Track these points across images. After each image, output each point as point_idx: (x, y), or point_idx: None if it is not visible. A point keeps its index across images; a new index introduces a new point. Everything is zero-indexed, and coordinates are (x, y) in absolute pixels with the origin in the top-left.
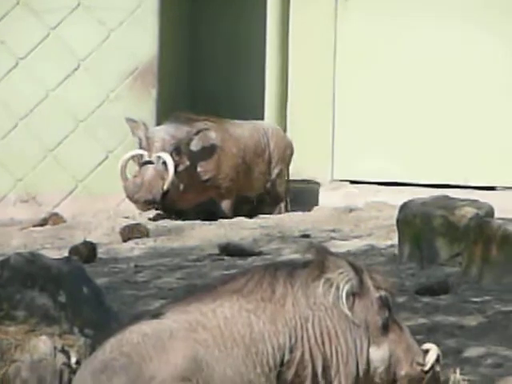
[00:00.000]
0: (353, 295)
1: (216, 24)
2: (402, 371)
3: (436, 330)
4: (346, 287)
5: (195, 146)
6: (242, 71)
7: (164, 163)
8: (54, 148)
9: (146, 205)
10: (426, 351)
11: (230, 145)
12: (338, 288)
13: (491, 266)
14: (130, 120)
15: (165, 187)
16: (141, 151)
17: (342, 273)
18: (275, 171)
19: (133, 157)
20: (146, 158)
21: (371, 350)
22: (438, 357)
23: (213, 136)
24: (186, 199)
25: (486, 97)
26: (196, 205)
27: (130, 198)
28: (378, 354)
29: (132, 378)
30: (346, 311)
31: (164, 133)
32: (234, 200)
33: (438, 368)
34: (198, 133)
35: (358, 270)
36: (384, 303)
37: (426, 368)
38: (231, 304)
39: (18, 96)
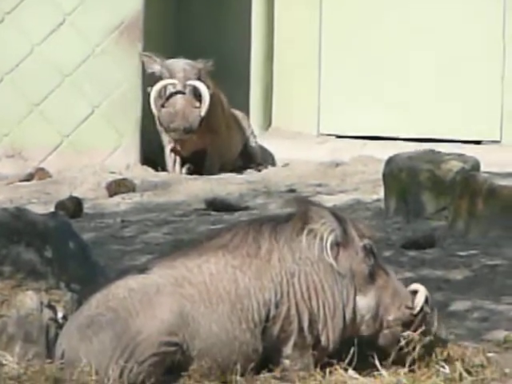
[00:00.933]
0: (337, 245)
1: None
2: (390, 316)
3: (422, 283)
4: (330, 237)
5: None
6: (228, 25)
7: (193, 92)
8: (39, 103)
9: (184, 133)
10: (414, 292)
11: (220, 94)
12: (321, 239)
13: (477, 220)
14: (143, 55)
15: (202, 114)
16: (173, 80)
17: (325, 223)
18: (248, 135)
19: (163, 87)
20: (178, 88)
21: (357, 298)
22: (427, 298)
23: (210, 81)
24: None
25: (471, 51)
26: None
27: (167, 127)
28: (365, 302)
29: (118, 333)
30: (331, 261)
31: (183, 63)
32: (220, 157)
33: (427, 309)
34: (212, 64)
35: (341, 220)
36: (369, 251)
37: (416, 311)
38: (217, 260)
39: (2, 51)
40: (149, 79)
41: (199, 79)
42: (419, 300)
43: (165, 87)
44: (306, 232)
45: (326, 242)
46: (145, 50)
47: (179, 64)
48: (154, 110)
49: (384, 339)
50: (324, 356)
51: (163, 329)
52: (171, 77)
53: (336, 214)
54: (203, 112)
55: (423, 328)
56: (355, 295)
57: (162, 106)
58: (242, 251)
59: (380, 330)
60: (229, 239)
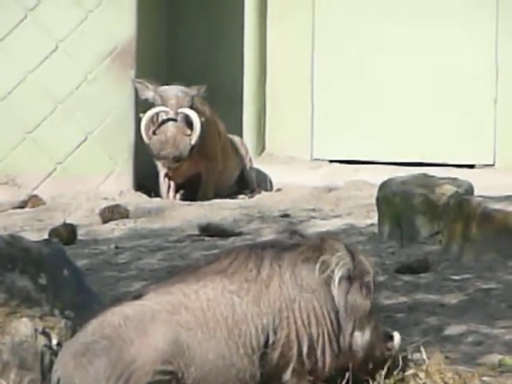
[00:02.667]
0: (347, 279)
1: (194, 3)
2: (373, 358)
3: (417, 308)
4: (341, 271)
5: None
6: (220, 52)
7: (185, 119)
8: (32, 130)
9: (174, 161)
10: (390, 336)
11: (217, 120)
12: (333, 271)
13: (471, 244)
14: (136, 81)
15: (193, 142)
16: (165, 108)
17: (339, 256)
18: (246, 162)
19: (155, 114)
20: (170, 115)
21: (356, 334)
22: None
23: (206, 107)
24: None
25: (464, 75)
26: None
27: (157, 155)
28: (362, 340)
29: (113, 361)
30: (336, 293)
31: (176, 90)
32: (215, 183)
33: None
34: (206, 89)
35: (354, 255)
36: (371, 288)
37: (393, 353)
38: (214, 285)
39: None
40: (142, 105)
41: (192, 106)
42: (396, 343)
43: (157, 114)
44: (319, 262)
45: (337, 276)
46: (137, 77)
47: (172, 91)
48: (145, 138)
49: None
50: (320, 382)
51: (158, 357)
52: (164, 103)
53: (349, 248)
54: (194, 140)
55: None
56: (354, 331)
57: (154, 133)
58: (241, 276)
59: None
60: (228, 264)
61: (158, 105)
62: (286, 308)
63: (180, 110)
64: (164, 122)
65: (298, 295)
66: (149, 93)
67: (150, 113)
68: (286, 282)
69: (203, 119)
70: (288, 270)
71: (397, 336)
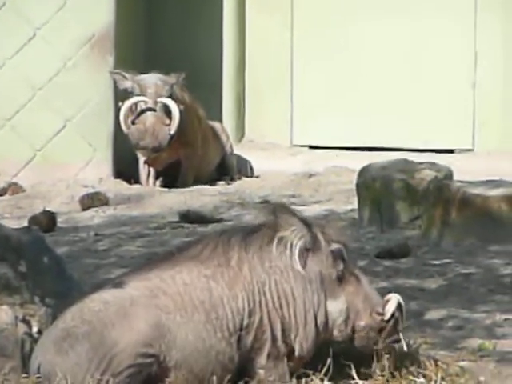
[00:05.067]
0: (306, 250)
1: None
2: (362, 322)
3: (397, 293)
4: (299, 244)
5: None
6: (199, 36)
7: (164, 109)
8: (11, 117)
9: (153, 152)
10: (387, 301)
11: (197, 107)
12: (291, 246)
13: (451, 229)
14: (113, 72)
15: (171, 132)
16: (144, 98)
17: (294, 230)
18: (227, 148)
19: (133, 104)
20: (148, 105)
21: (328, 302)
22: (400, 305)
23: (186, 94)
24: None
25: (442, 59)
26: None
27: (136, 145)
28: (336, 306)
29: (94, 345)
30: (299, 268)
31: (155, 79)
32: (195, 170)
33: (398, 316)
34: (185, 77)
35: (310, 226)
36: (337, 256)
37: (386, 317)
38: (190, 270)
39: None
40: (121, 92)
41: (171, 95)
42: (390, 306)
43: (136, 104)
44: (276, 240)
45: (295, 249)
46: (116, 63)
47: (151, 79)
48: (124, 127)
49: (358, 343)
50: (300, 365)
51: (139, 340)
52: (142, 92)
53: (305, 220)
54: (173, 130)
55: (395, 336)
56: (325, 300)
57: (133, 122)
58: (214, 261)
59: (353, 335)
60: (199, 250)
61: (137, 94)
62: (258, 292)
63: (159, 100)
64: (143, 111)
65: (268, 278)
66: (127, 83)
67: (128, 102)
68: (255, 267)
69: (182, 107)
70: (255, 254)
71: (393, 299)
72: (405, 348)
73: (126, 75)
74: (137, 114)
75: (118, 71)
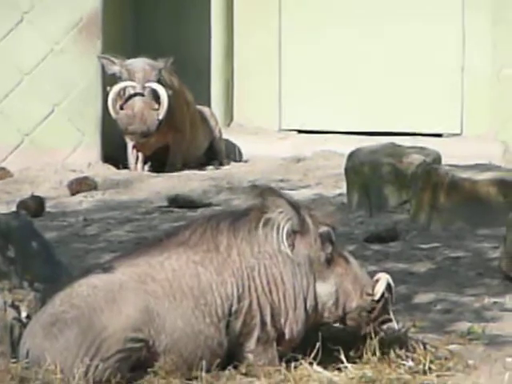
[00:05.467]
0: (294, 233)
1: None
2: (352, 303)
3: None
4: (287, 226)
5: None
6: (187, 23)
7: (152, 94)
8: None
9: (142, 137)
10: (377, 281)
11: (185, 91)
12: (278, 228)
13: (439, 213)
14: (101, 57)
15: (160, 117)
16: (132, 83)
17: (281, 212)
18: (216, 133)
19: (122, 89)
20: (137, 90)
21: (317, 284)
22: (389, 286)
23: (175, 78)
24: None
25: (431, 43)
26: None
27: (124, 130)
28: (325, 288)
29: (83, 330)
30: (287, 250)
31: (143, 63)
32: (183, 155)
33: (388, 296)
34: (173, 62)
35: (297, 208)
36: (326, 238)
37: (376, 298)
38: (178, 256)
39: None
40: (109, 77)
41: (159, 80)
42: (380, 286)
43: (124, 89)
44: (262, 222)
45: (283, 231)
46: (104, 48)
47: (139, 64)
48: (112, 113)
49: (349, 324)
50: (290, 348)
51: (129, 325)
52: (130, 77)
53: (293, 202)
54: (161, 115)
55: (385, 316)
56: (315, 282)
57: (121, 107)
58: (202, 247)
59: (344, 317)
60: (188, 236)
61: (125, 79)
62: (247, 277)
63: (147, 85)
64: (131, 96)
65: (257, 263)
66: (115, 67)
67: (116, 87)
68: (244, 252)
69: (171, 92)
70: (244, 239)
71: (382, 279)
72: (396, 327)
73: (114, 60)
74: (125, 99)
75: (106, 56)
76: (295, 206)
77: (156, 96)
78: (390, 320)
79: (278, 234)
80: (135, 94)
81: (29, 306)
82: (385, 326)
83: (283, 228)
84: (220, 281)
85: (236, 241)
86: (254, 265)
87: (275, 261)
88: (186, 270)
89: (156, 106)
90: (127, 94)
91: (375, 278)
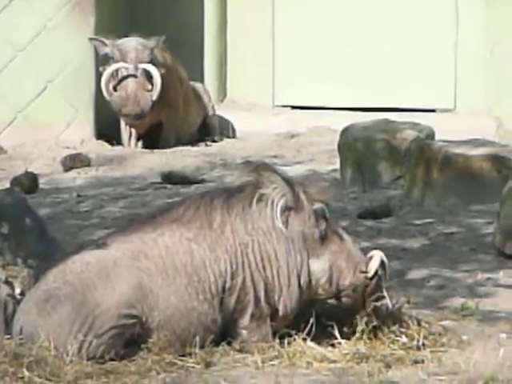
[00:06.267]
0: (288, 209)
1: None
2: (346, 280)
3: None
4: (281, 202)
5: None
6: None
7: (145, 74)
8: None
9: (136, 118)
10: (371, 258)
11: (178, 68)
12: (272, 204)
13: (433, 188)
14: (93, 39)
15: (154, 98)
16: (125, 64)
17: (275, 188)
18: (209, 109)
19: (114, 70)
20: (130, 71)
21: (311, 261)
22: (383, 263)
23: (168, 55)
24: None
25: (424, 19)
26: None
27: (118, 112)
28: (319, 265)
29: (77, 306)
30: (281, 226)
31: (135, 43)
32: (177, 131)
33: (381, 274)
34: (165, 40)
35: (292, 185)
36: (320, 215)
37: (370, 275)
38: (172, 233)
39: None
40: (102, 55)
41: (152, 59)
42: (373, 263)
43: (117, 70)
44: (256, 197)
45: (277, 207)
46: (97, 24)
47: (131, 44)
48: (106, 94)
49: (344, 301)
50: (283, 325)
51: (122, 301)
52: (122, 58)
53: (287, 178)
54: (155, 96)
55: (379, 293)
56: (308, 259)
57: (114, 89)
58: (196, 224)
59: (338, 294)
60: (181, 213)
61: (117, 59)
62: (240, 254)
63: (140, 65)
64: (124, 78)
65: (251, 240)
66: (106, 48)
67: (109, 69)
68: (238, 228)
69: (163, 71)
70: (238, 215)
71: (376, 256)
72: (389, 305)
73: (105, 41)
74: (118, 80)
75: (98, 37)
76: (289, 182)
77: (149, 76)
78: (383, 297)
79: (272, 211)
80: (128, 76)
81: (22, 282)
82: (379, 303)
83: (277, 204)
84: (213, 258)
85: (230, 218)
86: (248, 241)
87: (269, 237)
88: (179, 247)
89: (149, 87)
90: (120, 76)
91: (369, 255)
